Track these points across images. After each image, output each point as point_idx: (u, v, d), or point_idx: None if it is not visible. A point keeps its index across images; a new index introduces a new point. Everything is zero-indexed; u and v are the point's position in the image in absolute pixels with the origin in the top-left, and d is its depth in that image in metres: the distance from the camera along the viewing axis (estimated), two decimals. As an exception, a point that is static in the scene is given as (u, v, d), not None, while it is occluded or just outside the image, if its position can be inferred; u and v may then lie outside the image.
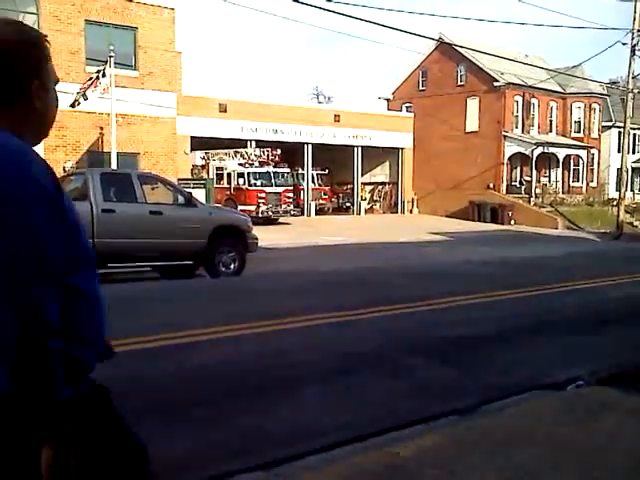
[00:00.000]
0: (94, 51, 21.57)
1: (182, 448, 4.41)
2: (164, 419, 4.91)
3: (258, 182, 29.61)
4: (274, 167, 30.37)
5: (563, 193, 42.60)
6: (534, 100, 42.78)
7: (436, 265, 16.78)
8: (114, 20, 22.56)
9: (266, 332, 7.60)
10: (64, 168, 20.57)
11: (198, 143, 29.77)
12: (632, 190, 47.83)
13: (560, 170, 43.60)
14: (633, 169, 48.73)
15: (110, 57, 19.58)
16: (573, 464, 4.01)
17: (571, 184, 44.29)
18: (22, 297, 1.45)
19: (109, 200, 12.13)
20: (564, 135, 44.62)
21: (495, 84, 40.63)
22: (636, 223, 39.10)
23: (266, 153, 30.24)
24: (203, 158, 31.41)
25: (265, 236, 17.59)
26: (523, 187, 40.67)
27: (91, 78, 19.36)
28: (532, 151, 39.89)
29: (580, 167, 44.62)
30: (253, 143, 32.07)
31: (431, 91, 43.47)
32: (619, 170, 35.69)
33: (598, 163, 46.09)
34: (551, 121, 44.63)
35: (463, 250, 21.71)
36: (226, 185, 30.38)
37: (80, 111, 20.50)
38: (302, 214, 34.40)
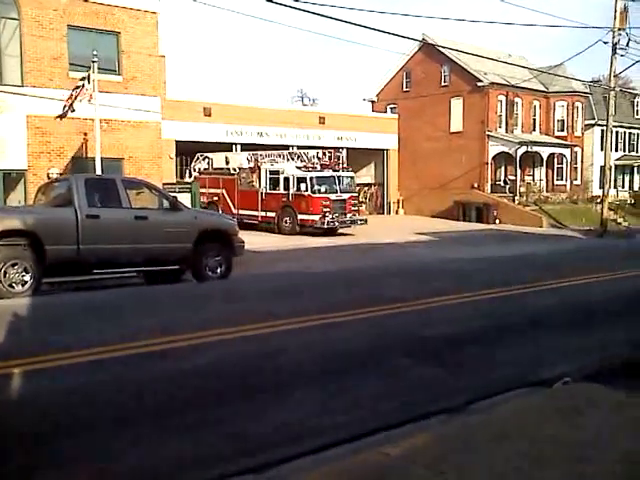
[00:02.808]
0: (77, 56, 21.41)
1: (172, 453, 4.41)
2: (154, 424, 4.91)
3: (322, 188, 26.23)
4: (335, 171, 27.14)
5: (547, 191, 42.83)
6: (517, 99, 43.01)
7: (424, 265, 16.84)
8: (97, 25, 22.40)
9: (254, 335, 7.59)
10: (48, 175, 20.45)
11: (183, 147, 29.68)
12: (615, 187, 48.15)
13: (544, 169, 43.86)
14: (616, 167, 49.09)
15: (93, 62, 19.47)
16: (560, 459, 4.05)
17: (555, 182, 44.55)
18: None
19: (94, 206, 12.05)
20: (547, 134, 44.87)
21: (478, 84, 40.80)
22: (620, 220, 39.41)
23: (327, 155, 27.46)
24: (249, 160, 28.93)
25: (251, 239, 17.56)
26: (507, 186, 40.86)
27: (78, 87, 19.22)
28: (516, 150, 40.09)
29: (564, 165, 44.88)
30: (238, 147, 32.03)
31: (415, 92, 43.58)
32: (602, 168, 35.96)
33: (582, 161, 46.38)
34: (534, 120, 44.87)
35: (450, 250, 21.79)
36: (282, 191, 26.90)
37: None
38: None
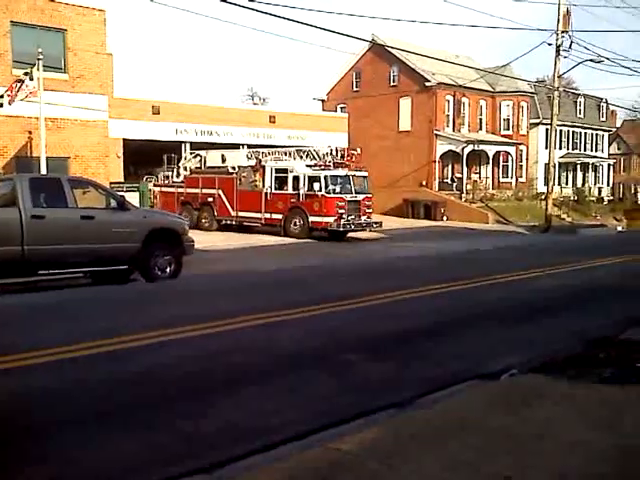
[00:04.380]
0: (21, 53, 20.92)
1: (121, 454, 4.36)
2: (103, 425, 4.84)
3: (337, 188, 24.33)
4: (350, 170, 25.47)
5: (493, 189, 43.65)
6: (464, 99, 43.69)
7: (374, 262, 16.98)
8: (42, 22, 21.90)
9: (202, 335, 7.53)
10: (-9, 174, 19.92)
11: (132, 146, 29.20)
12: (559, 184, 49.33)
13: (490, 167, 44.66)
14: (560, 164, 50.29)
15: (38, 60, 19.05)
16: (509, 451, 4.13)
17: (501, 180, 45.42)
18: None
19: (39, 206, 11.79)
20: (494, 133, 45.70)
21: (427, 84, 41.30)
22: (564, 216, 40.43)
23: (340, 153, 25.71)
24: (250, 158, 27.14)
25: (200, 238, 17.41)
26: (455, 184, 41.50)
27: (20, 81, 18.79)
28: (463, 149, 40.73)
29: (509, 163, 45.80)
30: (187, 145, 31.73)
31: (365, 92, 43.87)
32: (547, 165, 36.78)
33: (527, 159, 47.38)
34: (481, 119, 45.66)
35: (399, 246, 22.01)
36: (291, 191, 24.88)
37: (8, 115, 19.91)
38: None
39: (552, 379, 5.65)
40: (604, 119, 58.62)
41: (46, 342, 7.04)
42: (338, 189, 24.35)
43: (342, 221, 24.02)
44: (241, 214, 26.84)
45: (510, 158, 45.52)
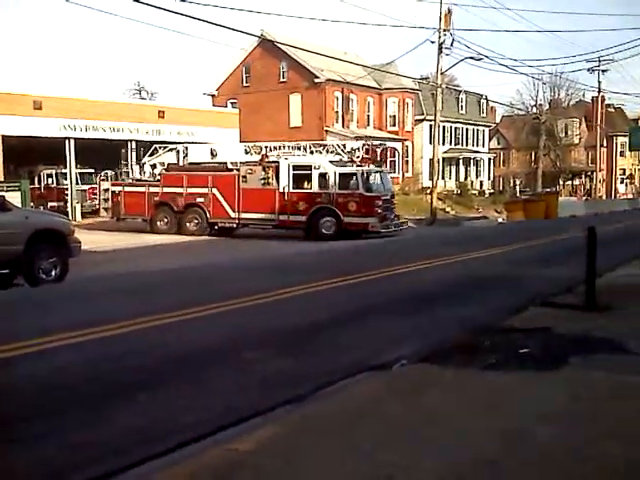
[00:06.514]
0: None
1: (9, 466, 4.18)
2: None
3: (374, 186, 22.73)
4: (375, 166, 23.76)
5: (382, 184, 44.72)
6: (353, 96, 44.49)
7: (270, 258, 17.01)
8: None
9: (92, 339, 7.26)
10: None
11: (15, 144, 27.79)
12: (443, 178, 51.16)
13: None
14: (444, 159, 52.17)
15: None
16: (405, 439, 4.28)
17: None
18: None
19: None
20: (381, 129, 46.82)
21: (316, 80, 41.74)
22: (448, 209, 41.98)
23: (365, 147, 23.77)
24: (249, 152, 24.67)
25: (87, 238, 16.84)
26: (346, 179, 42.17)
27: None
28: (352, 145, 41.44)
29: (396, 158, 47.08)
30: (72, 142, 30.56)
31: (255, 87, 43.79)
32: (431, 160, 38.06)
33: (412, 154, 48.85)
34: (369, 116, 46.67)
35: (292, 242, 22.13)
36: (317, 189, 22.78)
37: None
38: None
39: (442, 367, 5.88)
40: (484, 115, 61.31)
41: None
42: (375, 187, 22.86)
43: (386, 221, 22.72)
44: (245, 216, 24.11)
45: (397, 154, 46.77)
